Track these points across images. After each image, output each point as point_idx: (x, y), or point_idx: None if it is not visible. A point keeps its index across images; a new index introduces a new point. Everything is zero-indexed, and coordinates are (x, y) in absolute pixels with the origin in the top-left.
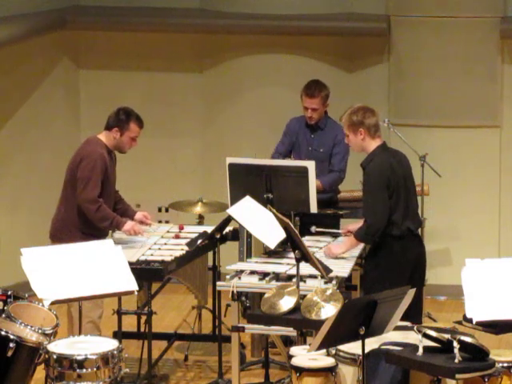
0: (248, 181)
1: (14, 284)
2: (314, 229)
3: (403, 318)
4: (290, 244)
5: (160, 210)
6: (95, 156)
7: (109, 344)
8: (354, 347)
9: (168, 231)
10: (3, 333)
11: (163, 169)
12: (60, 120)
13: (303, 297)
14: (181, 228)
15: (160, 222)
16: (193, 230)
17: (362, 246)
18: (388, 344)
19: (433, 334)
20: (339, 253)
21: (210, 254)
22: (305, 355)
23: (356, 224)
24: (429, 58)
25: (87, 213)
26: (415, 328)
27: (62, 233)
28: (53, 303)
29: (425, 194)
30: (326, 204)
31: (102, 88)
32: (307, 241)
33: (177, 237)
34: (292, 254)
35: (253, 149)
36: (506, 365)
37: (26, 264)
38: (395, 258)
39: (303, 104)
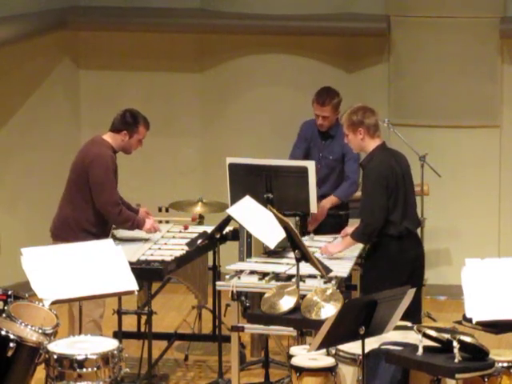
0: (248, 181)
1: (14, 284)
2: (312, 237)
3: (403, 318)
4: (290, 244)
5: (160, 209)
6: (106, 158)
7: (109, 344)
8: (354, 347)
9: (168, 231)
10: (3, 333)
11: (163, 169)
12: (60, 120)
13: (303, 297)
14: (185, 228)
15: (160, 221)
16: (193, 230)
17: (361, 245)
18: (388, 344)
19: (433, 333)
20: (335, 252)
21: (210, 253)
22: (305, 355)
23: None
24: (429, 58)
25: (109, 216)
26: (415, 328)
27: (65, 232)
28: (53, 303)
29: (425, 193)
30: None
31: (102, 88)
32: (307, 241)
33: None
34: (292, 254)
35: (253, 149)
36: (505, 365)
37: (26, 264)
38: (394, 258)
39: (314, 111)
